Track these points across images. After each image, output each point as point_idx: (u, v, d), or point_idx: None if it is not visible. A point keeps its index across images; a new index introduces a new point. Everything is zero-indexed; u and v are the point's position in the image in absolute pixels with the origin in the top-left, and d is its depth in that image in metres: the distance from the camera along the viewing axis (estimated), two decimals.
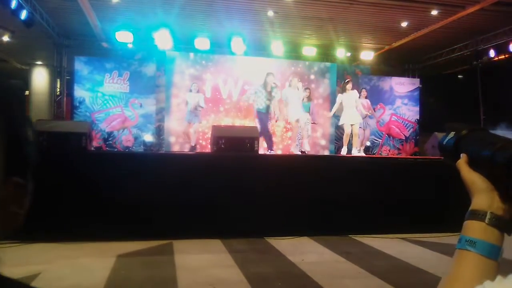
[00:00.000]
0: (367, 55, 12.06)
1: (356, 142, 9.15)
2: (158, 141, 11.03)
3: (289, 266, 4.34)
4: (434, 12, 9.15)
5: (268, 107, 9.85)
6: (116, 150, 10.52)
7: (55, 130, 5.87)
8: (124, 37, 10.72)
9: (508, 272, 0.59)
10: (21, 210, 0.54)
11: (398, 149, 12.41)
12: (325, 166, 6.21)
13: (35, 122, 6.01)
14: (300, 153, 9.07)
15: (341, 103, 9.17)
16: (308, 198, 5.76)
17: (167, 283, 3.70)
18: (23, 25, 8.55)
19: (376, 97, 11.83)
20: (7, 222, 0.53)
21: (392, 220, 5.87)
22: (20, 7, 8.16)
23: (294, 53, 11.89)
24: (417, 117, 12.53)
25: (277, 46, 11.26)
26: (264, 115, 9.81)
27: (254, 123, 9.99)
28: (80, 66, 10.84)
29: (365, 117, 9.94)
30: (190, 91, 10.08)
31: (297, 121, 9.40)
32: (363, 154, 9.09)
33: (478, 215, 0.67)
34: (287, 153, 10.75)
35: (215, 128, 6.60)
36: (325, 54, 12.22)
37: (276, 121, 10.28)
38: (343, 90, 9.25)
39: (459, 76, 13.69)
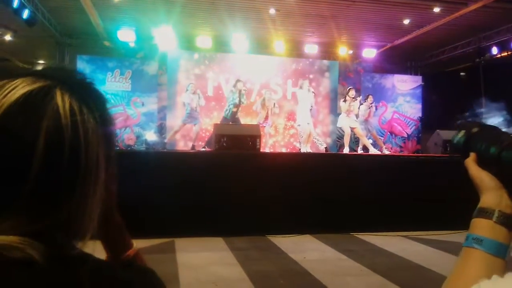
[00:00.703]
0: (369, 53, 12.03)
1: (366, 142, 9.19)
2: (160, 140, 11.04)
3: (291, 264, 4.35)
4: (437, 9, 9.12)
5: (234, 114, 9.50)
6: (118, 148, 10.54)
7: None
8: (126, 35, 10.73)
9: None
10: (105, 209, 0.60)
11: (400, 147, 12.39)
12: (327, 164, 6.21)
13: None
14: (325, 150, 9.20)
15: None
16: (310, 196, 5.76)
17: (169, 281, 3.70)
18: (25, 24, 8.57)
19: (378, 95, 11.81)
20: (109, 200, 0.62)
21: (394, 218, 5.87)
22: (22, 6, 8.17)
23: (296, 51, 11.88)
24: (420, 114, 12.50)
25: (279, 44, 11.25)
26: (227, 121, 9.50)
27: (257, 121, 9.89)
28: (82, 65, 10.86)
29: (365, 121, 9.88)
30: (187, 90, 9.87)
31: (308, 124, 9.30)
32: (385, 153, 9.15)
33: (486, 213, 0.67)
34: (290, 151, 10.76)
35: (217, 126, 6.61)
36: (327, 52, 12.20)
37: (271, 125, 10.16)
38: (345, 98, 9.26)
39: (461, 74, 13.65)
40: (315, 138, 9.82)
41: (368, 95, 10.10)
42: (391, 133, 12.40)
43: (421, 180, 6.08)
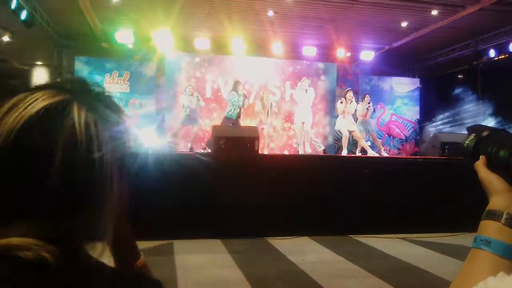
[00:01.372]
0: (367, 55, 12.05)
1: (365, 145, 9.18)
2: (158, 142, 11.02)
3: (289, 266, 4.34)
4: (434, 12, 9.14)
5: (238, 114, 9.36)
6: None
7: None
8: (124, 37, 10.73)
9: None
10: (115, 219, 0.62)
11: (398, 149, 12.42)
12: (325, 166, 6.21)
13: None
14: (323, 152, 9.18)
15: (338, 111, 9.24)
16: (308, 198, 5.75)
17: (167, 283, 3.69)
18: (23, 25, 8.55)
19: (376, 97, 11.83)
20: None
21: (392, 220, 5.87)
22: (20, 7, 8.16)
23: (294, 53, 11.89)
24: (417, 117, 12.53)
25: (277, 46, 11.26)
26: (234, 122, 9.43)
27: (257, 123, 9.81)
28: (80, 66, 10.85)
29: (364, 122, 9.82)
30: (184, 92, 9.75)
31: (303, 123, 9.24)
32: (383, 155, 9.14)
33: (495, 215, 0.68)
34: (287, 154, 10.76)
35: (215, 128, 6.60)
36: (325, 54, 12.22)
37: (270, 125, 10.10)
38: (342, 100, 9.24)
39: (459, 76, 13.69)
40: (314, 140, 9.79)
41: (365, 94, 10.08)
42: (389, 135, 12.43)
43: (419, 182, 6.09)
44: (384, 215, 5.89)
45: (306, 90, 9.32)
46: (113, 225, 0.60)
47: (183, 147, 10.77)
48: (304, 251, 4.94)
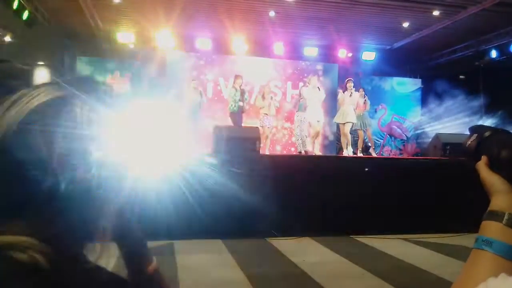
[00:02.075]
0: (369, 56, 12.05)
1: (344, 143, 9.08)
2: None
3: (290, 266, 4.34)
4: (436, 13, 9.14)
5: (241, 107, 9.33)
6: None
7: None
8: (125, 37, 10.74)
9: None
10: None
11: (400, 149, 12.40)
12: (326, 167, 6.21)
13: None
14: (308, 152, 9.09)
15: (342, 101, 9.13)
16: (309, 199, 5.75)
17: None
18: (25, 25, 8.56)
19: (378, 98, 11.83)
20: None
21: (393, 221, 5.86)
22: (22, 7, 8.18)
23: (295, 53, 11.88)
24: (419, 117, 12.52)
25: (278, 46, 11.26)
26: (237, 115, 9.50)
27: (259, 122, 9.73)
28: (82, 67, 10.86)
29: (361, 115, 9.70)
30: (189, 86, 9.66)
31: (318, 122, 9.15)
32: (351, 155, 8.99)
33: (496, 216, 0.68)
34: (289, 154, 10.75)
35: (217, 128, 6.60)
36: (327, 54, 12.21)
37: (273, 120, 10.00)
38: (345, 89, 9.20)
39: (460, 77, 13.67)
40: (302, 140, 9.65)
41: (360, 88, 10.05)
42: (391, 135, 12.41)
43: (421, 183, 6.08)
44: (385, 215, 5.88)
45: (318, 88, 9.21)
46: (117, 229, 0.59)
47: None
48: (305, 252, 4.93)
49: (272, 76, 11.76)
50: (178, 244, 5.04)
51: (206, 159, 6.16)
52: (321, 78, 11.96)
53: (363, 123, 9.50)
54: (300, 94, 9.32)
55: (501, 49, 10.64)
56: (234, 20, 9.69)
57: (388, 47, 11.83)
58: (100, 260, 0.58)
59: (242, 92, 9.26)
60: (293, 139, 10.34)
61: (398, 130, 12.46)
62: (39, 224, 0.50)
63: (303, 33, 10.98)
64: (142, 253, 0.75)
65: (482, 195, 0.75)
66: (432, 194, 5.97)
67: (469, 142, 0.76)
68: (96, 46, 11.41)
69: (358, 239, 5.60)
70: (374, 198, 5.91)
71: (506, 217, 0.67)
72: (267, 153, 9.08)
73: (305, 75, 11.81)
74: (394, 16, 9.46)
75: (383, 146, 12.31)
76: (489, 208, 0.70)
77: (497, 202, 0.69)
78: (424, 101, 12.51)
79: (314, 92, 9.09)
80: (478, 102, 11.62)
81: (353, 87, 9.20)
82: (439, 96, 11.91)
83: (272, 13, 9.43)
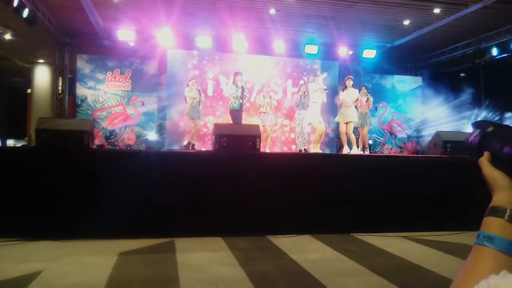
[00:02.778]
0: (370, 53, 12.03)
1: (345, 141, 9.05)
2: (160, 139, 11.04)
3: (290, 264, 4.34)
4: (437, 10, 9.12)
5: (241, 104, 9.33)
6: (118, 148, 10.54)
7: (57, 128, 5.88)
8: (126, 35, 10.74)
9: None
10: None
11: (400, 147, 12.40)
12: (327, 164, 6.21)
13: (37, 120, 6.02)
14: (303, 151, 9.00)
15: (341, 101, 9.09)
16: (309, 196, 5.75)
17: (169, 281, 3.70)
18: (25, 23, 8.56)
19: (378, 95, 11.82)
20: None
21: (394, 219, 5.86)
22: (22, 5, 8.17)
23: (296, 51, 11.88)
24: (419, 115, 12.51)
25: (279, 44, 11.24)
26: (237, 112, 9.41)
27: (259, 121, 9.73)
28: (82, 65, 10.86)
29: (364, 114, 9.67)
30: (187, 86, 9.59)
31: (321, 122, 9.09)
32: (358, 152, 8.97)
33: (498, 212, 0.68)
34: (289, 152, 10.75)
35: (217, 126, 6.60)
36: (328, 52, 12.20)
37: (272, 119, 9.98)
38: (344, 87, 9.17)
39: (461, 74, 13.65)
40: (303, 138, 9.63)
41: (362, 86, 10.01)
42: (391, 133, 12.41)
43: (421, 181, 6.08)
44: (386, 213, 5.89)
45: (325, 89, 9.17)
46: None
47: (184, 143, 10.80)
48: (305, 249, 4.93)
49: (273, 74, 11.75)
50: (179, 242, 5.05)
51: (206, 156, 6.16)
52: (329, 73, 11.94)
53: (365, 121, 9.48)
54: (300, 90, 9.28)
55: (502, 47, 10.62)
56: (235, 18, 9.68)
57: (389, 45, 11.82)
58: None
59: (243, 89, 9.24)
60: (292, 135, 10.35)
61: (399, 128, 12.45)
62: None
63: (303, 31, 10.97)
64: None
65: (483, 193, 0.75)
66: (433, 192, 5.97)
67: (471, 138, 0.75)
68: (96, 44, 11.42)
69: (358, 236, 5.60)
70: (374, 195, 5.91)
71: (508, 213, 0.67)
72: (267, 151, 9.08)
73: (305, 73, 11.81)
74: (395, 13, 9.45)
75: (384, 144, 12.30)
76: (491, 204, 0.70)
77: (499, 198, 0.69)
78: (424, 99, 12.50)
79: (320, 93, 9.06)
80: (479, 100, 11.61)
81: (352, 85, 9.16)
82: (440, 94, 11.90)
83: (272, 11, 9.43)
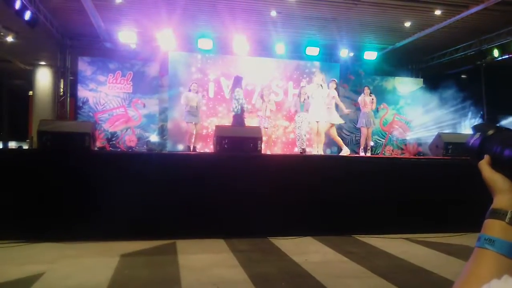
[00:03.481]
0: (371, 55, 12.04)
1: (338, 139, 9.00)
2: (161, 141, 11.06)
3: (292, 266, 4.34)
4: (438, 12, 9.12)
5: (243, 110, 9.42)
6: (119, 150, 10.55)
7: (59, 130, 5.89)
8: (127, 37, 10.76)
9: None
10: None
11: (402, 149, 12.39)
12: (328, 166, 6.20)
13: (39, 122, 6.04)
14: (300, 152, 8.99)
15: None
16: (311, 198, 5.75)
17: (170, 282, 3.70)
18: (27, 25, 8.58)
19: (380, 97, 11.82)
20: None
21: (395, 220, 5.86)
22: (24, 7, 8.19)
23: (297, 53, 11.89)
24: (421, 117, 12.51)
25: (280, 46, 11.25)
26: (238, 117, 9.44)
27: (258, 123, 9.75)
28: (84, 67, 10.88)
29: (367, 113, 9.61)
30: (189, 91, 9.60)
31: (318, 123, 9.01)
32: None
33: (499, 214, 0.68)
34: (291, 153, 10.74)
35: (218, 128, 6.60)
36: (329, 54, 12.21)
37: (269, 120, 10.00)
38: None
39: (462, 76, 13.65)
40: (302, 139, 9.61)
41: (365, 87, 9.97)
42: (392, 135, 12.40)
43: (423, 182, 6.08)
44: (387, 215, 5.88)
45: (321, 86, 9.03)
46: None
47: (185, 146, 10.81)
48: (307, 251, 4.93)
49: (274, 76, 11.76)
50: (180, 244, 5.05)
51: (208, 158, 6.16)
52: (330, 75, 11.94)
53: (368, 121, 9.47)
54: (299, 94, 9.26)
55: (503, 48, 10.61)
56: (236, 20, 9.70)
57: (390, 46, 11.82)
58: None
59: (242, 103, 9.34)
60: (292, 136, 10.35)
61: (400, 129, 12.45)
62: None
63: (304, 33, 10.98)
64: None
65: (485, 194, 0.75)
66: (434, 194, 5.97)
67: (472, 141, 0.76)
68: (98, 46, 11.44)
69: (360, 238, 5.60)
70: (376, 197, 5.91)
71: (509, 215, 0.67)
72: (268, 153, 9.09)
73: (305, 75, 11.82)
74: (396, 15, 9.46)
75: (385, 145, 12.30)
76: (491, 207, 0.70)
77: (500, 201, 0.69)
78: (426, 101, 12.49)
79: (318, 90, 9.00)
80: (480, 101, 11.60)
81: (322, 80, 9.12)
82: (441, 96, 11.90)
83: (274, 13, 9.44)
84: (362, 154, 9.35)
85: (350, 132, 12.03)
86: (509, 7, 8.66)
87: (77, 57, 11.03)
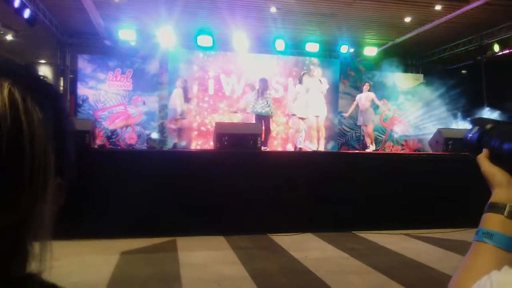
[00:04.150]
0: (371, 51, 12.01)
1: (310, 136, 8.99)
2: (161, 138, 11.06)
3: (292, 262, 4.35)
4: (438, 7, 9.09)
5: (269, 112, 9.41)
6: (119, 147, 10.55)
7: None
8: (127, 35, 10.73)
9: None
10: (56, 209, 0.55)
11: (402, 145, 12.38)
12: (328, 162, 6.20)
13: None
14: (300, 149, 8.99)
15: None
16: (311, 194, 5.75)
17: (171, 279, 3.71)
18: (26, 23, 8.57)
19: (380, 93, 11.80)
20: None
21: (395, 216, 5.86)
22: (23, 5, 8.17)
23: (297, 49, 11.86)
24: (421, 113, 12.48)
25: (280, 42, 11.23)
26: (264, 117, 9.44)
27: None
28: (83, 64, 10.86)
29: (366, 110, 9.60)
30: (175, 87, 9.53)
31: (317, 117, 8.98)
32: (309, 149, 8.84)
33: (497, 208, 0.68)
34: (291, 150, 10.74)
35: (218, 125, 6.60)
36: (328, 50, 12.18)
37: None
38: (300, 81, 9.06)
39: (463, 71, 13.62)
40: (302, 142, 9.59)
41: (365, 82, 9.94)
42: (392, 131, 12.39)
43: (423, 178, 6.07)
44: (388, 211, 5.88)
45: (320, 80, 9.00)
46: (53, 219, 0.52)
47: (189, 144, 10.82)
48: (307, 248, 4.94)
49: (274, 72, 11.74)
50: (181, 241, 5.05)
51: (208, 155, 6.16)
52: (327, 71, 11.92)
53: (365, 118, 9.48)
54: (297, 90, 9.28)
55: (503, 43, 10.58)
56: (236, 17, 9.67)
57: (390, 42, 11.79)
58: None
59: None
60: (290, 132, 10.35)
61: (400, 125, 12.43)
62: None
63: (304, 29, 10.95)
64: None
65: (484, 189, 0.75)
66: (434, 189, 5.97)
67: (470, 135, 0.75)
68: (97, 44, 11.42)
69: (360, 234, 5.60)
70: (376, 193, 5.91)
71: (507, 209, 0.67)
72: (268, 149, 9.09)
73: (306, 71, 11.80)
74: (396, 11, 9.43)
75: (385, 141, 12.29)
76: (490, 200, 0.70)
77: (498, 195, 0.69)
78: (426, 96, 12.47)
79: (315, 85, 8.97)
80: (480, 97, 11.58)
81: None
82: (441, 91, 11.87)
83: (273, 9, 9.41)
84: (370, 150, 9.34)
85: (350, 128, 12.04)
86: (509, 1, 8.63)
87: (77, 55, 11.02)
